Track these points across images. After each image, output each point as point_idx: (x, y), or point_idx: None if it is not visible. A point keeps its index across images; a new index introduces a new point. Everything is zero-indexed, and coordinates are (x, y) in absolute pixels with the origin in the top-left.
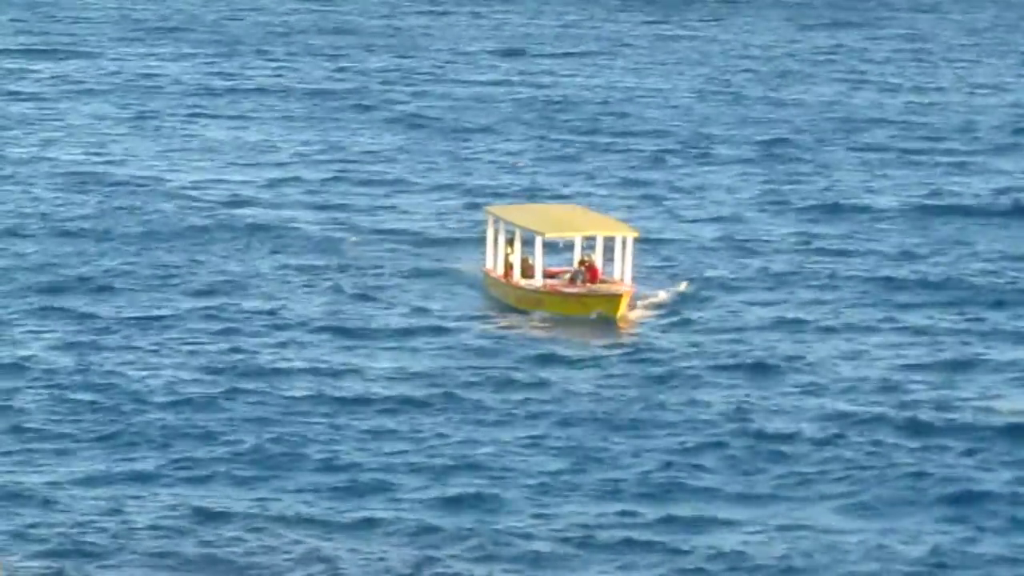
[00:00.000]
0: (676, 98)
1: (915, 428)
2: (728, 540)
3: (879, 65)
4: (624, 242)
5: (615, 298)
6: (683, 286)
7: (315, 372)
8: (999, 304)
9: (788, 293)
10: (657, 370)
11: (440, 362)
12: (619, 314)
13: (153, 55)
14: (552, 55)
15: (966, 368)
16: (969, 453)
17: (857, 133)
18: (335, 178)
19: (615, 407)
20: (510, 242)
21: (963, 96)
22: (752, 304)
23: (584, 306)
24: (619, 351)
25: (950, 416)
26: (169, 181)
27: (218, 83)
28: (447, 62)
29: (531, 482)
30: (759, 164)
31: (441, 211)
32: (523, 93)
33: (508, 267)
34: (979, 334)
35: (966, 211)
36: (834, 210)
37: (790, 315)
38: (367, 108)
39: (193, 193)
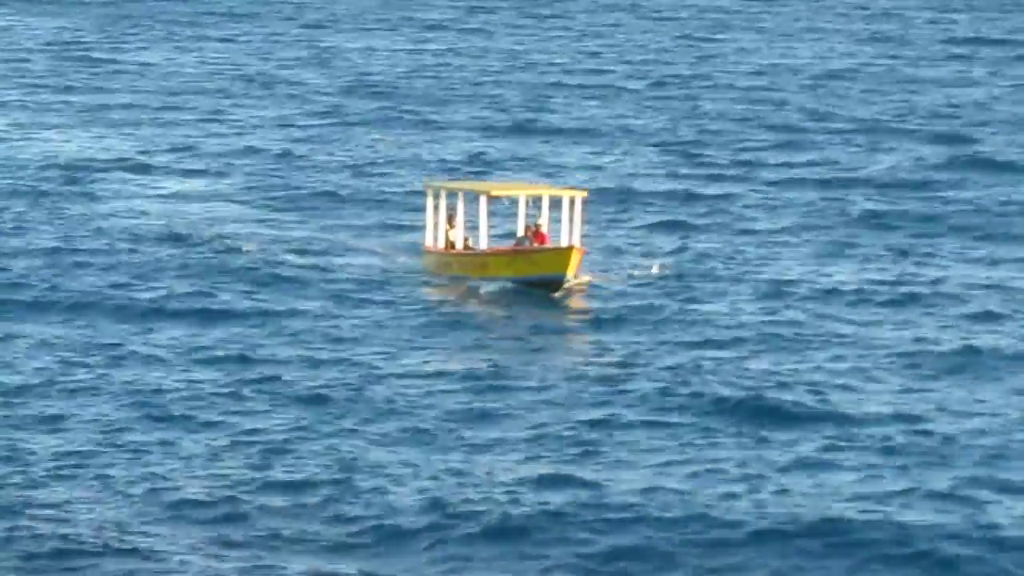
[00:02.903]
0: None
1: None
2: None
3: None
4: (572, 202)
5: (565, 252)
6: (655, 268)
7: (244, 360)
8: None
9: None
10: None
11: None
12: (569, 272)
13: None
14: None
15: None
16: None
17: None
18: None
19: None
20: (450, 219)
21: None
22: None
23: (533, 264)
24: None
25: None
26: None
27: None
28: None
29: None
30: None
31: (374, 191)
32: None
33: (448, 244)
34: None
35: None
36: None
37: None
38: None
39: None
